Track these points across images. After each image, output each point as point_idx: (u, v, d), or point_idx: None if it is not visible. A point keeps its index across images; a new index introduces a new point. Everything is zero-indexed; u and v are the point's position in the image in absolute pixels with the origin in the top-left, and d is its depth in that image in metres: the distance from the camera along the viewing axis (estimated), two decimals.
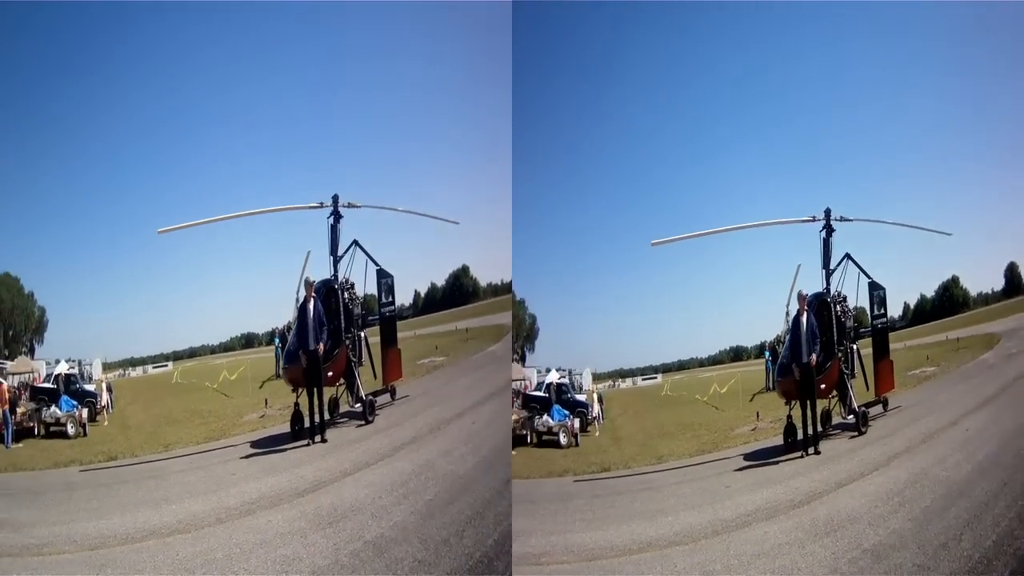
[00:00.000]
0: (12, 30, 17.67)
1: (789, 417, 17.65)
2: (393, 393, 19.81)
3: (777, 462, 17.07)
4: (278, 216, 18.24)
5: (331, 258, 18.77)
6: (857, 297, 18.63)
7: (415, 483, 14.93)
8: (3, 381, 17.71)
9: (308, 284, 17.58)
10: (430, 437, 17.33)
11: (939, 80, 19.51)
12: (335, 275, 18.76)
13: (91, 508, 14.41)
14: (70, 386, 18.44)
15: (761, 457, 17.55)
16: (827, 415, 18.35)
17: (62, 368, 18.65)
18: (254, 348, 20.30)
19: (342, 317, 18.48)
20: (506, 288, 18.89)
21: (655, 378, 20.27)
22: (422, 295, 21.89)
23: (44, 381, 18.42)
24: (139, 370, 19.69)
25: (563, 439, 18.58)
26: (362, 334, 19.21)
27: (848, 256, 18.35)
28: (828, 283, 18.25)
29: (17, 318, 19.12)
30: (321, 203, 18.47)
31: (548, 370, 19.60)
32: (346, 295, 18.76)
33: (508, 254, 17.47)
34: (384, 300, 19.57)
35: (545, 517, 15.26)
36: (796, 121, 19.86)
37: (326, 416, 17.61)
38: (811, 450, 17.12)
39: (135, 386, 19.36)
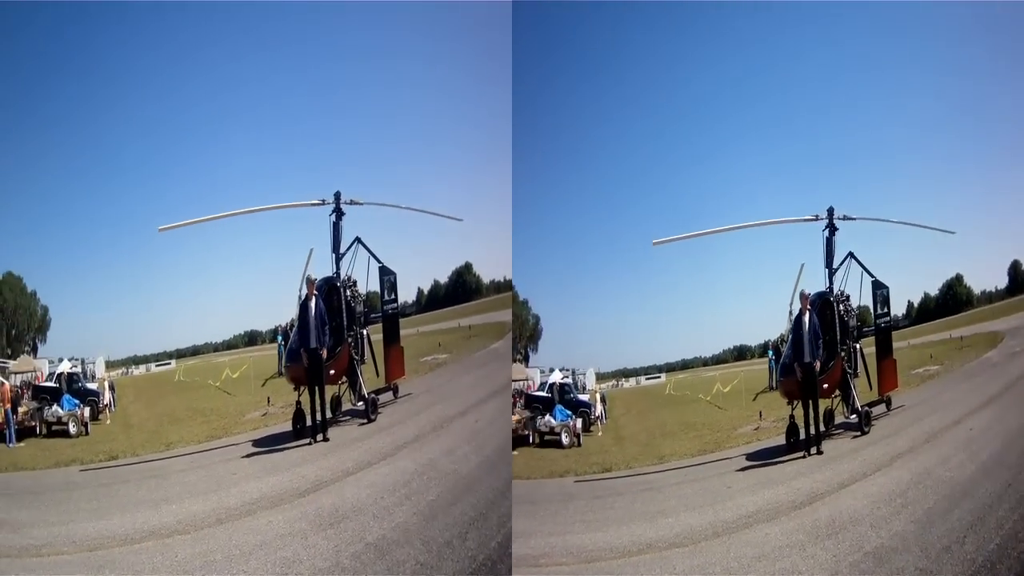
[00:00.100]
0: (12, 30, 17.69)
1: (792, 417, 17.59)
2: (396, 391, 19.82)
3: (779, 462, 17.00)
4: (280, 214, 18.27)
5: (333, 255, 18.73)
6: (860, 296, 18.62)
7: (417, 483, 14.82)
8: (5, 381, 17.76)
9: (310, 282, 17.48)
10: (433, 436, 17.24)
11: (939, 80, 19.54)
12: (337, 272, 18.71)
13: (91, 508, 14.36)
14: (72, 385, 18.48)
15: (763, 457, 17.49)
16: (830, 414, 18.31)
17: (65, 367, 18.69)
18: (257, 346, 20.35)
19: (344, 315, 18.42)
20: (508, 285, 18.85)
21: (659, 377, 20.26)
22: (425, 292, 21.86)
23: (46, 380, 18.47)
24: (142, 368, 19.72)
25: (565, 439, 18.54)
26: (364, 332, 19.15)
27: (851, 255, 18.30)
28: (831, 282, 18.18)
29: (20, 317, 19.15)
30: (323, 200, 18.46)
31: (551, 370, 19.58)
32: (348, 292, 18.70)
33: (510, 252, 17.48)
34: (387, 297, 19.55)
35: (545, 518, 15.21)
36: (796, 121, 19.90)
37: (328, 414, 17.56)
38: (813, 450, 17.04)
39: (138, 384, 19.43)
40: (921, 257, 19.95)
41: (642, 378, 20.22)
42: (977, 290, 20.89)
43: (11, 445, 17.30)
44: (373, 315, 19.46)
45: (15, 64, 18.05)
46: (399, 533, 13.10)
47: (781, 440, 17.73)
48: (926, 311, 21.09)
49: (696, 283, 19.79)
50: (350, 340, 18.56)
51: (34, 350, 19.21)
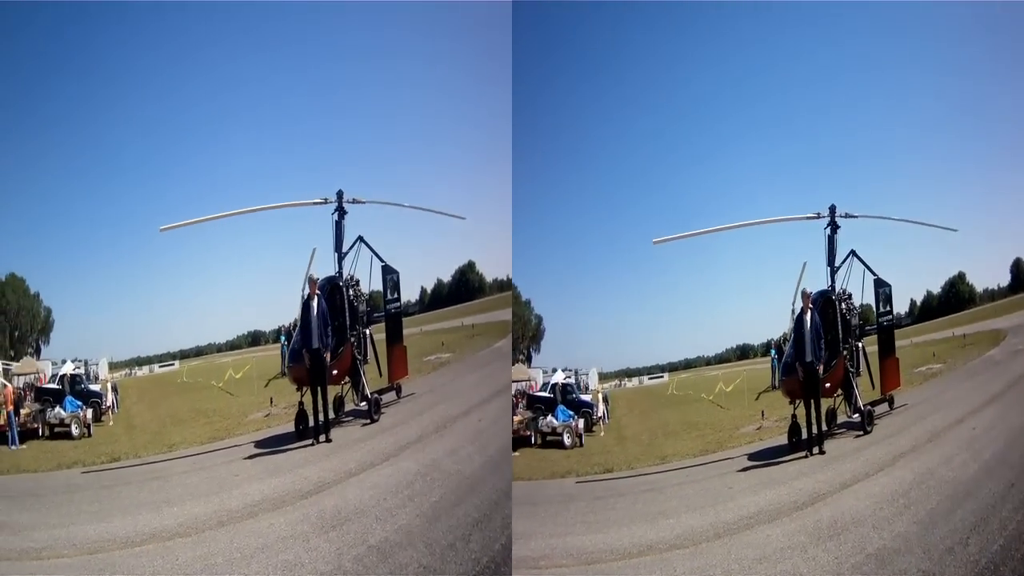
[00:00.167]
0: (12, 30, 17.70)
1: (794, 416, 17.55)
2: (399, 391, 19.80)
3: (781, 462, 16.94)
4: (283, 213, 18.27)
5: (336, 254, 18.69)
6: (863, 294, 18.60)
7: (421, 484, 14.77)
8: (8, 383, 17.78)
9: (312, 281, 17.41)
10: (436, 436, 17.20)
11: (940, 79, 19.53)
12: (340, 272, 18.66)
13: (92, 511, 14.32)
14: (75, 386, 18.50)
15: (765, 457, 17.45)
16: (832, 414, 18.31)
17: (67, 368, 18.71)
18: (261, 346, 20.35)
19: (347, 314, 18.36)
20: (511, 283, 18.83)
21: (661, 377, 20.24)
22: (428, 291, 21.85)
23: (49, 382, 18.48)
24: (146, 369, 19.75)
25: (567, 440, 18.52)
26: (367, 331, 19.10)
27: (853, 253, 18.27)
28: (833, 280, 18.13)
29: (23, 319, 19.17)
30: (325, 199, 18.43)
31: (554, 370, 19.56)
32: (351, 292, 18.64)
33: (511, 251, 17.48)
34: (390, 297, 19.53)
35: (546, 519, 15.15)
36: (796, 121, 19.92)
37: (331, 415, 17.52)
38: (816, 450, 16.97)
39: (141, 385, 19.47)
40: (923, 255, 20.03)
41: (645, 378, 20.21)
42: (980, 288, 20.91)
43: (13, 447, 17.29)
44: (376, 314, 19.41)
45: (15, 64, 18.09)
46: (402, 535, 13.04)
47: (783, 440, 17.71)
48: (929, 309, 21.09)
49: (698, 282, 19.87)
50: (353, 340, 18.51)
51: (37, 352, 19.23)
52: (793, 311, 17.56)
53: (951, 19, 18.85)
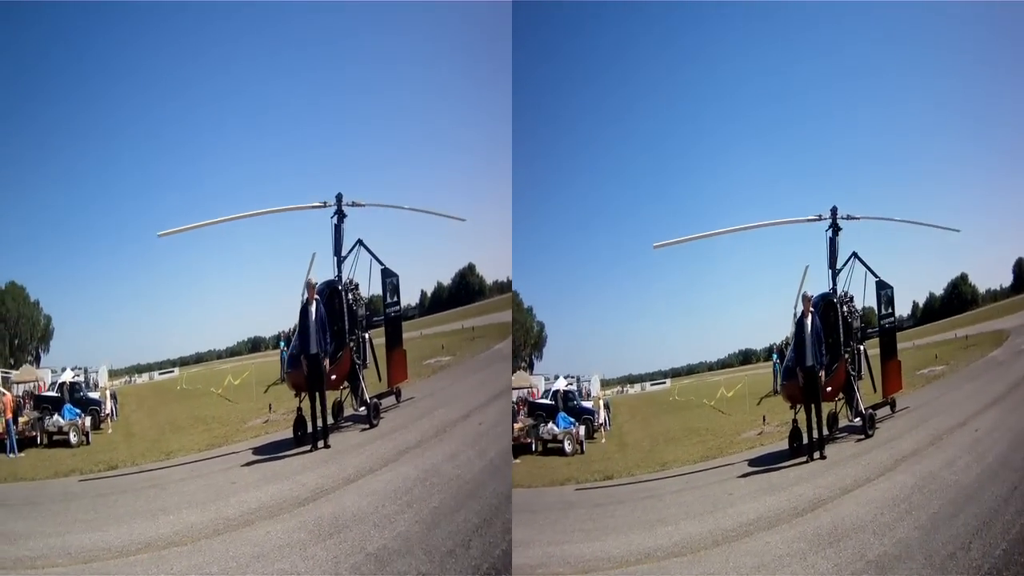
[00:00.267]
0: (11, 37, 17.67)
1: (794, 421, 17.47)
2: (398, 395, 19.71)
3: (781, 467, 16.85)
4: (283, 218, 18.24)
5: (335, 258, 18.65)
6: (864, 297, 18.50)
7: (420, 490, 14.70)
8: (7, 392, 17.76)
9: (310, 286, 17.32)
10: (435, 440, 17.12)
11: (942, 82, 19.43)
12: (339, 276, 18.63)
13: (87, 519, 14.26)
14: (74, 394, 18.49)
15: (766, 462, 17.32)
16: (834, 418, 18.20)
17: (67, 376, 18.69)
18: (261, 352, 20.30)
19: (346, 319, 18.34)
20: (511, 285, 18.76)
21: (664, 383, 20.13)
22: (428, 295, 21.78)
23: (48, 390, 18.47)
24: (145, 377, 19.70)
25: (568, 447, 18.43)
26: (366, 335, 19.06)
27: (855, 255, 18.20)
28: (834, 283, 18.08)
29: (23, 327, 19.14)
30: (324, 202, 18.38)
31: (556, 377, 19.49)
32: (350, 296, 18.61)
33: (511, 252, 17.43)
34: (389, 300, 19.48)
35: (544, 527, 15.06)
36: (797, 124, 19.78)
37: (330, 420, 17.44)
38: (816, 455, 16.88)
39: (141, 393, 19.38)
40: (925, 257, 19.92)
41: (647, 384, 20.12)
42: (982, 289, 20.77)
43: (12, 455, 17.27)
44: (376, 318, 19.36)
45: (15, 70, 18.05)
46: (400, 542, 12.98)
47: (784, 445, 17.65)
48: (931, 311, 20.96)
49: (701, 287, 19.67)
50: (352, 344, 18.47)
51: (37, 360, 19.19)
52: (795, 315, 17.50)
53: (951, 21, 18.79)
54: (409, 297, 20.13)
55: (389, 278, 19.42)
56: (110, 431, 18.45)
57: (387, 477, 15.34)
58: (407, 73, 19.83)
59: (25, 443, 17.62)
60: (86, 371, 18.95)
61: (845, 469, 16.12)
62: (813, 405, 17.02)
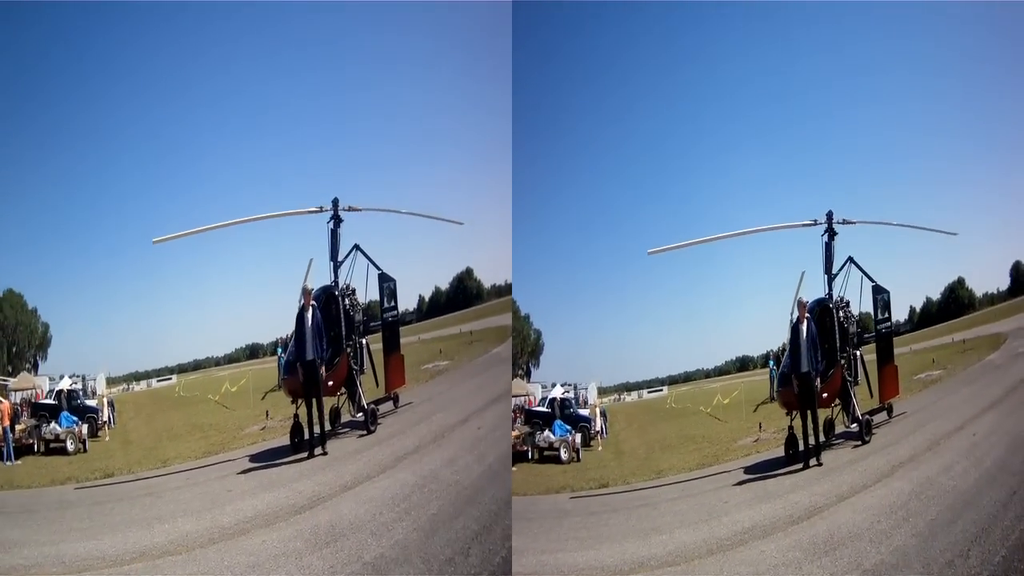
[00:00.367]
0: (11, 37, 17.67)
1: (790, 428, 17.39)
2: (396, 400, 19.69)
3: (777, 475, 16.79)
4: (281, 223, 18.26)
5: (331, 264, 18.61)
6: (860, 301, 18.44)
7: (418, 496, 14.64)
8: (4, 399, 17.76)
9: (306, 292, 17.29)
10: (434, 446, 17.09)
11: (939, 82, 19.37)
12: (335, 281, 18.59)
13: (82, 528, 14.24)
14: (71, 402, 18.47)
15: (762, 470, 17.29)
16: (830, 424, 18.12)
17: (64, 384, 18.67)
18: (259, 359, 20.25)
19: (343, 324, 18.28)
20: (509, 289, 18.72)
21: (661, 391, 20.10)
22: (426, 299, 21.75)
23: (46, 397, 18.46)
24: (143, 384, 19.69)
25: (564, 455, 18.39)
26: (364, 341, 19.01)
27: (851, 260, 18.13)
28: (830, 288, 18.03)
29: (21, 335, 19.13)
30: (321, 207, 18.36)
31: (553, 385, 19.47)
32: (347, 301, 18.55)
33: (511, 255, 17.41)
34: (386, 305, 19.46)
35: (539, 535, 15.04)
36: (798, 125, 19.78)
37: (327, 427, 17.39)
38: (813, 461, 16.84)
39: (138, 400, 19.36)
40: (922, 261, 19.92)
41: (644, 391, 20.09)
42: (979, 292, 20.72)
43: (9, 463, 17.28)
44: (373, 323, 19.33)
45: (15, 70, 18.05)
46: (398, 551, 12.94)
47: (780, 452, 17.53)
48: (928, 315, 20.92)
49: (699, 291, 19.64)
50: (349, 350, 18.43)
51: (35, 367, 19.18)
52: (791, 321, 17.44)
53: (951, 21, 18.77)
54: (407, 302, 20.22)
55: (386, 283, 19.41)
56: (107, 439, 18.42)
57: (385, 484, 15.29)
58: (407, 73, 19.82)
59: (22, 451, 17.65)
60: (84, 379, 18.93)
61: (841, 476, 16.07)
62: (809, 411, 16.97)
